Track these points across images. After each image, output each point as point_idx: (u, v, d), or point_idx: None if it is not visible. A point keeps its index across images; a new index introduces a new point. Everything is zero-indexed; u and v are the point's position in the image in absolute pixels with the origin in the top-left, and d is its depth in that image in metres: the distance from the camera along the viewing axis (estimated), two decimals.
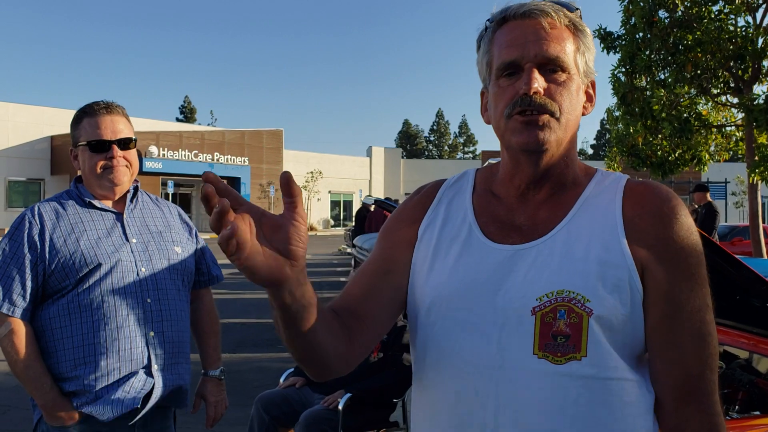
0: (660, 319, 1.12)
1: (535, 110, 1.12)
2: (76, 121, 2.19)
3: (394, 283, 1.25)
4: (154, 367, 2.14)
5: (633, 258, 1.10)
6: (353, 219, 15.12)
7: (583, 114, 1.22)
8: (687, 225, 1.14)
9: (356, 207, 15.08)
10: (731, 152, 13.96)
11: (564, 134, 1.16)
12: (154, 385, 2.14)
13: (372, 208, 14.08)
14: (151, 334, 2.12)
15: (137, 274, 2.14)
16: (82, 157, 2.18)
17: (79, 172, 2.30)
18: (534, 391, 1.08)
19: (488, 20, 1.21)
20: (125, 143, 2.17)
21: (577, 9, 1.19)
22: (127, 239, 2.18)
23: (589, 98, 1.23)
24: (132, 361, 2.09)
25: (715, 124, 12.49)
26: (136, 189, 2.29)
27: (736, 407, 2.75)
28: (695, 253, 1.13)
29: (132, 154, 2.21)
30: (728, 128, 12.91)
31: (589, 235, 1.13)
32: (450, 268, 1.19)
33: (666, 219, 1.13)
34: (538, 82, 1.12)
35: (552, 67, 1.14)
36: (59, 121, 32.05)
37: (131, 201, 2.27)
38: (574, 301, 1.08)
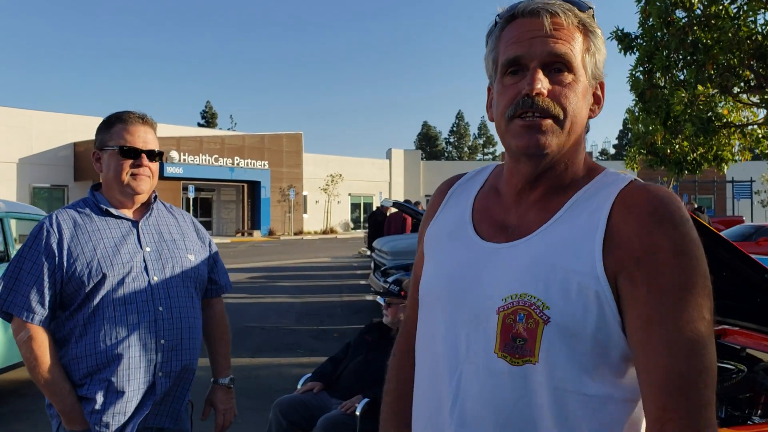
0: (638, 328, 1.03)
1: (537, 113, 1.09)
2: (108, 125, 2.22)
3: None
4: (165, 375, 2.15)
5: (605, 267, 1.04)
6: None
7: (590, 117, 1.19)
8: (680, 230, 1.03)
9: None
10: (754, 151, 13.75)
11: (567, 138, 1.12)
12: (165, 391, 2.16)
13: (388, 212, 14.08)
14: (162, 342, 2.14)
15: (149, 283, 2.16)
16: (109, 161, 2.21)
17: (100, 178, 2.33)
18: (489, 387, 1.11)
19: (497, 16, 1.19)
20: (152, 155, 2.23)
21: (590, 8, 1.16)
22: (141, 247, 2.20)
23: (597, 100, 1.20)
24: (143, 369, 2.11)
25: (736, 123, 12.32)
26: (151, 198, 2.32)
27: (759, 411, 2.71)
28: (688, 260, 1.02)
29: (156, 166, 2.27)
30: (750, 127, 12.73)
31: (565, 241, 1.09)
32: (439, 263, 1.25)
33: (653, 225, 1.03)
34: (542, 83, 1.09)
35: (558, 67, 1.11)
36: (82, 128, 32.47)
37: (147, 209, 2.30)
38: (533, 307, 1.07)
